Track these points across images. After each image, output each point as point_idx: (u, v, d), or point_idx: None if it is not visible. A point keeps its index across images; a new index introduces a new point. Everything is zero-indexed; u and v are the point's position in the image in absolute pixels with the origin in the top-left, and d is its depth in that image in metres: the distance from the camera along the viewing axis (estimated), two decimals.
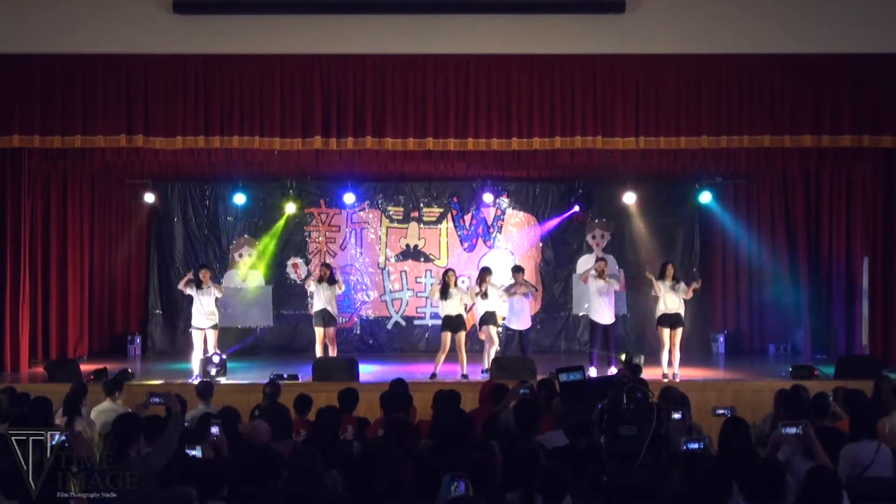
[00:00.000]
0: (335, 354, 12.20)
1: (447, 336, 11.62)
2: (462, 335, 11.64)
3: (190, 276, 12.06)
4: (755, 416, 8.14)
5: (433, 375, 11.38)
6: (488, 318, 12.03)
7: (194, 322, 11.93)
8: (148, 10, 10.84)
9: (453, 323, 11.64)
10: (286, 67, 10.93)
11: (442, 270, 14.66)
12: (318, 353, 12.17)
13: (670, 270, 11.68)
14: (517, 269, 12.38)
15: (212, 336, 11.83)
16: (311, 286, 12.44)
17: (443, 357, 11.60)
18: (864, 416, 6.38)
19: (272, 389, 8.23)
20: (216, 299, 11.99)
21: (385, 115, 10.93)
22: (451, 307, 11.70)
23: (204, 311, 11.83)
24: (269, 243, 14.92)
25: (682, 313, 11.60)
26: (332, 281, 12.22)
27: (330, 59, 10.96)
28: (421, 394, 8.80)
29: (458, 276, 14.87)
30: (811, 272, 13.99)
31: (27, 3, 10.90)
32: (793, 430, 5.66)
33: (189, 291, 11.95)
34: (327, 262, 13.50)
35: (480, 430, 6.58)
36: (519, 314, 12.19)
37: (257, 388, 8.98)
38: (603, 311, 12.09)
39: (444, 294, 11.69)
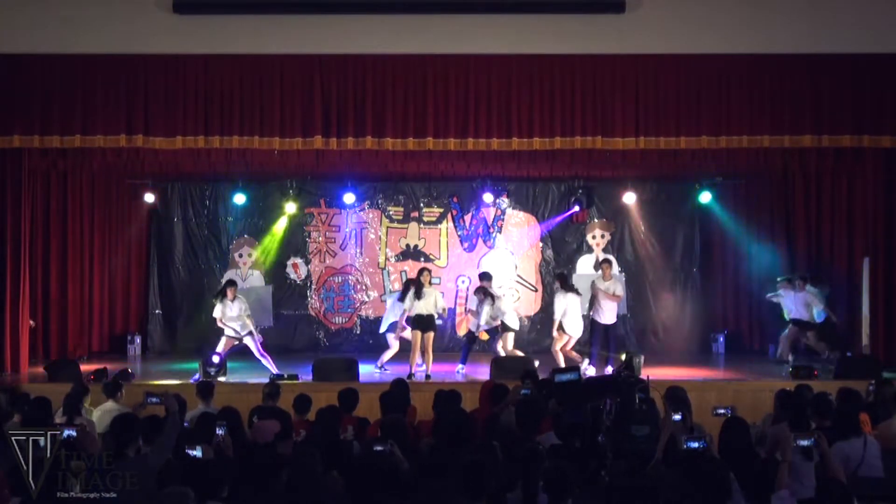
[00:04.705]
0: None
1: (417, 335, 11.52)
2: (431, 335, 11.58)
3: (218, 304, 12.06)
4: (755, 416, 8.13)
5: (410, 376, 11.05)
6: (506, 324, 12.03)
7: (227, 332, 11.91)
8: (148, 10, 10.83)
9: (424, 322, 11.54)
10: (286, 67, 10.92)
11: (440, 270, 14.79)
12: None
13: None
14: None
15: (250, 343, 11.87)
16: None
17: (416, 356, 11.52)
18: (848, 413, 6.39)
19: (272, 390, 8.23)
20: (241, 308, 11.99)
21: (385, 115, 10.92)
22: (424, 306, 11.57)
23: (234, 317, 11.87)
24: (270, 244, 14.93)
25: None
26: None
27: (330, 59, 10.95)
28: (421, 394, 8.82)
29: (458, 276, 14.99)
30: (811, 272, 13.97)
31: (27, 3, 10.89)
32: (805, 443, 5.62)
33: (218, 312, 11.96)
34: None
35: (481, 431, 6.58)
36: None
37: (257, 388, 8.98)
38: (606, 312, 12.11)
39: (419, 293, 11.60)
